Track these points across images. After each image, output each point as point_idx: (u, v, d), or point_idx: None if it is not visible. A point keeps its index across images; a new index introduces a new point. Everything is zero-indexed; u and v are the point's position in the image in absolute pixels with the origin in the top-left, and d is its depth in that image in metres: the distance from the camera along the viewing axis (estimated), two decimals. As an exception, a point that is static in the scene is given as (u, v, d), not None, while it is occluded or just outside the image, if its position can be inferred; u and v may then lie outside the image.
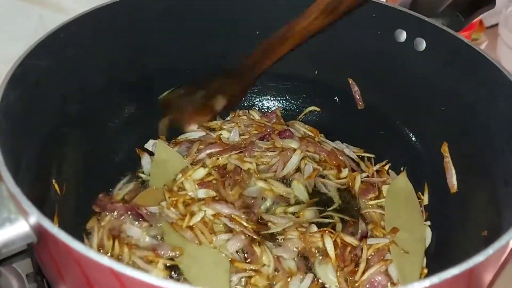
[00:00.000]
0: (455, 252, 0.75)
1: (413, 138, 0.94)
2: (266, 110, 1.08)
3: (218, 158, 0.92)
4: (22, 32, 0.98)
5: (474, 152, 0.79)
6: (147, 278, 0.45)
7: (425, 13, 0.89)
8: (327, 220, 0.86)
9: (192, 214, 0.82)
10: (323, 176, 0.94)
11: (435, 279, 0.46)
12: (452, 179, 0.84)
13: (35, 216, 0.52)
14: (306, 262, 0.81)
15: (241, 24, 0.97)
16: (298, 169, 0.93)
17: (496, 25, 1.34)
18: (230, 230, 0.81)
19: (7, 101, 0.66)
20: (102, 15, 0.85)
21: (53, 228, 0.48)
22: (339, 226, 0.85)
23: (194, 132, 0.99)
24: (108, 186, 0.89)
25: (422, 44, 0.87)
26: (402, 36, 0.90)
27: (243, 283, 0.76)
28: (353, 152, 0.99)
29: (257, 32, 0.98)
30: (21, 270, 0.84)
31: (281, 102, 1.07)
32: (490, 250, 0.49)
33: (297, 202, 0.89)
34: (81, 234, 0.79)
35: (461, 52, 0.82)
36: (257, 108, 1.07)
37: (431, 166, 0.88)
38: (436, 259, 0.80)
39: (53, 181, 0.76)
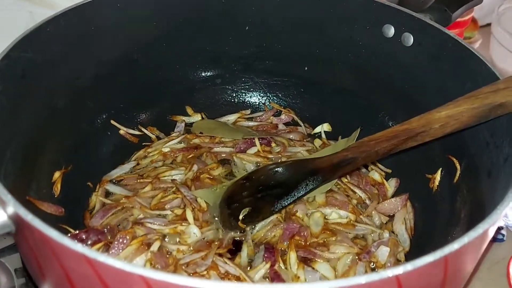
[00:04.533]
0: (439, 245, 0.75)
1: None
2: (257, 106, 1.08)
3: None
4: (12, 28, 0.98)
5: (460, 145, 0.79)
6: (120, 264, 0.45)
7: (413, 8, 0.89)
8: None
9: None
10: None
11: (409, 266, 0.46)
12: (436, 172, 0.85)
13: (12, 205, 0.52)
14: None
15: (230, 20, 0.98)
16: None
17: (490, 23, 1.34)
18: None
19: (-9, 92, 0.66)
20: (90, 10, 0.85)
21: (28, 215, 0.49)
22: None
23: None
24: (93, 180, 0.89)
25: (409, 39, 0.88)
26: (390, 31, 0.90)
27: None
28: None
29: (247, 28, 0.99)
30: (9, 265, 0.84)
31: (271, 98, 1.07)
32: (465, 239, 0.49)
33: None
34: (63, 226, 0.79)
35: (448, 46, 0.82)
36: (247, 105, 1.08)
37: (417, 162, 0.88)
38: (418, 249, 0.81)
39: (39, 173, 0.76)
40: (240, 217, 0.83)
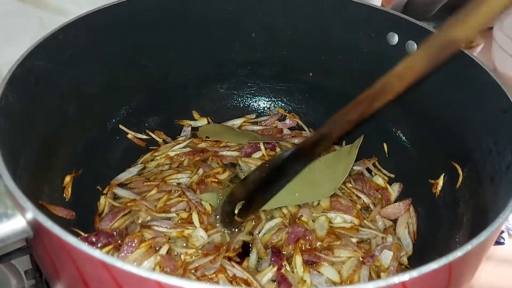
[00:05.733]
0: (441, 249, 0.77)
1: (404, 139, 0.96)
2: (262, 111, 1.10)
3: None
4: (23, 34, 1.00)
5: (463, 151, 0.80)
6: (136, 270, 0.46)
7: (417, 16, 0.90)
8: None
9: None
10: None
11: (415, 273, 0.48)
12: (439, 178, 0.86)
13: (31, 211, 0.53)
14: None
15: (237, 27, 0.99)
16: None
17: (492, 28, 1.35)
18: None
19: (6, 101, 0.68)
20: (100, 17, 0.86)
21: (47, 222, 0.50)
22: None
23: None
24: (103, 183, 0.91)
25: (413, 47, 0.89)
26: (394, 39, 0.91)
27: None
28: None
29: (253, 35, 1.00)
30: (19, 266, 0.86)
31: (276, 103, 1.09)
32: (469, 246, 0.51)
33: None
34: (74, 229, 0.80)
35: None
36: (253, 109, 1.09)
37: (420, 167, 0.90)
38: (421, 253, 0.83)
39: (51, 177, 0.77)
40: (236, 211, 0.85)
